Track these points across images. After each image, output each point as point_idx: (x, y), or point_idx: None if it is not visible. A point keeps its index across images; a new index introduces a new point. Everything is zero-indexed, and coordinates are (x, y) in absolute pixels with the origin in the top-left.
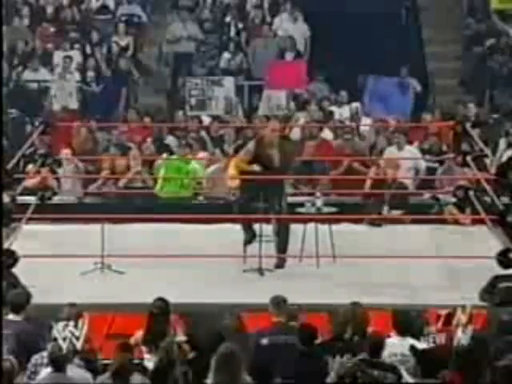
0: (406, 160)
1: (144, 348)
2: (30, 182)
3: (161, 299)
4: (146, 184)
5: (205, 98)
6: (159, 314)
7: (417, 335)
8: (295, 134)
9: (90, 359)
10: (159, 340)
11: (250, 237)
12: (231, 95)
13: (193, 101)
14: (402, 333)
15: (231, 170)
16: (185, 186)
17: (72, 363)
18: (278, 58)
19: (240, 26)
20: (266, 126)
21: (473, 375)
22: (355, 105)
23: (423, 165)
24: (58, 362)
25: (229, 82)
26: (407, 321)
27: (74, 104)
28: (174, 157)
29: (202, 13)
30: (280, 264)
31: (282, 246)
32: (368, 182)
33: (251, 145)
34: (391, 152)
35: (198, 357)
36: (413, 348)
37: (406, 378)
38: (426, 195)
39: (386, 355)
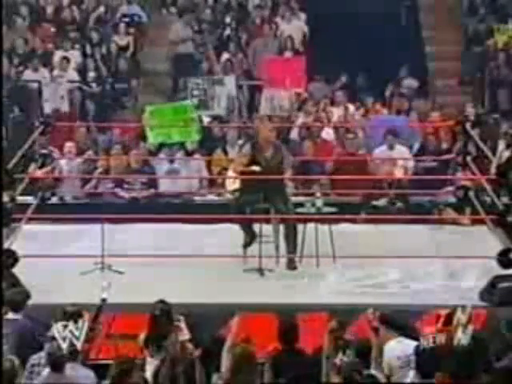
0: (396, 159)
1: (146, 352)
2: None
3: (162, 301)
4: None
5: (207, 97)
6: (161, 316)
7: (405, 332)
8: (294, 134)
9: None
10: (161, 342)
11: (250, 238)
12: (233, 94)
13: (195, 101)
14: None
15: (230, 173)
16: (188, 131)
17: (75, 362)
18: None
19: (240, 26)
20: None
21: (472, 375)
22: (349, 106)
23: (411, 164)
24: (57, 363)
25: (230, 80)
26: (392, 320)
27: (65, 107)
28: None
29: (202, 13)
30: (292, 265)
31: (292, 247)
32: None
33: (247, 148)
34: (382, 151)
35: (199, 357)
36: (417, 347)
37: (413, 378)
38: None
39: (393, 359)
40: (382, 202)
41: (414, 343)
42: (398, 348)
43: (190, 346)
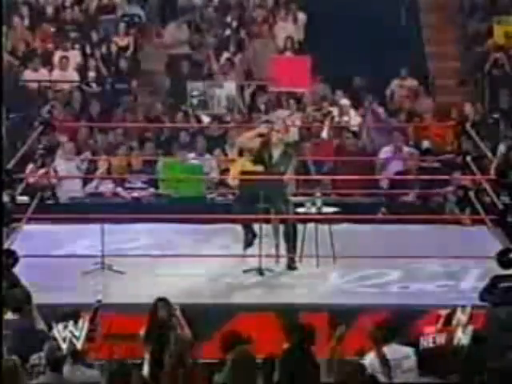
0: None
1: (145, 350)
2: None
3: (163, 299)
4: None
5: (206, 97)
6: (161, 314)
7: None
8: (293, 134)
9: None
10: (160, 340)
11: (250, 238)
12: (233, 94)
13: (195, 101)
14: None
15: (233, 169)
16: (198, 186)
17: (77, 363)
18: None
19: (240, 26)
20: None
21: (472, 375)
22: (344, 101)
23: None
24: (56, 363)
25: (230, 84)
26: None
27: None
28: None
29: (202, 13)
30: (292, 265)
31: (292, 247)
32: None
33: (256, 143)
34: (387, 151)
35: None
36: (417, 348)
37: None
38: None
39: (402, 356)
40: (411, 197)
41: (404, 348)
42: (386, 351)
43: (189, 334)
